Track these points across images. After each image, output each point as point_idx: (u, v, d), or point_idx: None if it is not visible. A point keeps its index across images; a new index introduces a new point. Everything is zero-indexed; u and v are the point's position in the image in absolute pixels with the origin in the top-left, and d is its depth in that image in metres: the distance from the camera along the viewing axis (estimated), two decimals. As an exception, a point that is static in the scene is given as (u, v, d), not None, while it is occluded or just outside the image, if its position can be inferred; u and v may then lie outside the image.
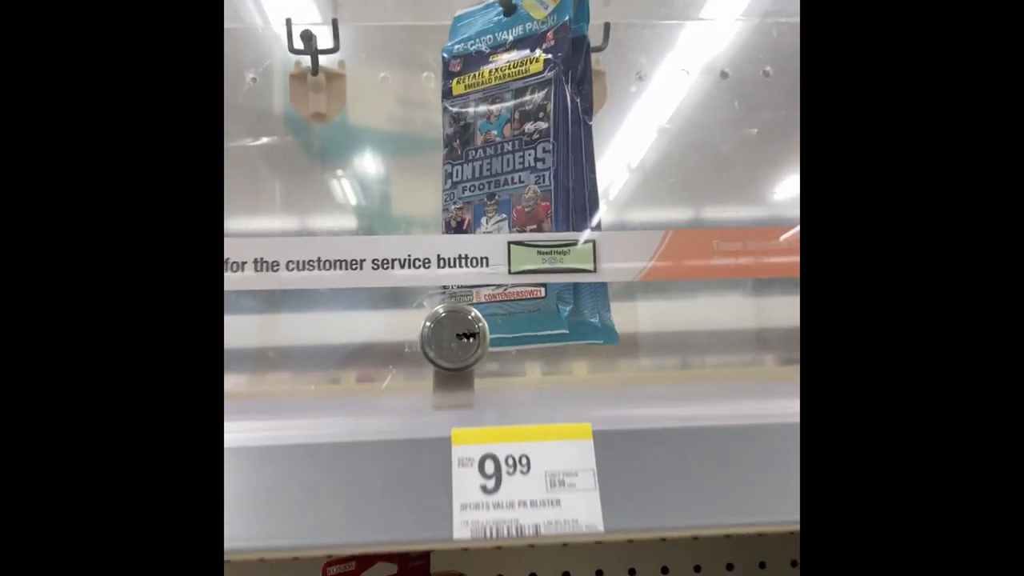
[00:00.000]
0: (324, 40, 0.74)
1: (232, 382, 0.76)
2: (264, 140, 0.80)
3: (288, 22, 0.73)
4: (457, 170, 0.62)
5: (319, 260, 0.48)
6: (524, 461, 0.44)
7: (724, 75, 0.84)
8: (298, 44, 0.74)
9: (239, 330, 0.76)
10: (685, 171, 0.85)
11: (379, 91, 0.82)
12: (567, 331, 0.58)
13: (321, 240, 0.48)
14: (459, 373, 0.49)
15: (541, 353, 0.72)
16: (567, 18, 0.60)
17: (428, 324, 0.48)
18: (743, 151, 0.80)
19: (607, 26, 0.78)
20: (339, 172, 0.81)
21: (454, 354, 0.47)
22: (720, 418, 0.45)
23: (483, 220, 0.60)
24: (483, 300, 0.60)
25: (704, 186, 0.85)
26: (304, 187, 0.80)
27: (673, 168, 0.84)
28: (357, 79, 0.80)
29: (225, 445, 0.42)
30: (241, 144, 0.80)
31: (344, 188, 0.81)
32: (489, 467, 0.44)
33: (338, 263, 0.48)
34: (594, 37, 0.78)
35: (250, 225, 0.79)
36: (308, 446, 0.45)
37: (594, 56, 0.80)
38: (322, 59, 0.76)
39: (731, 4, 0.84)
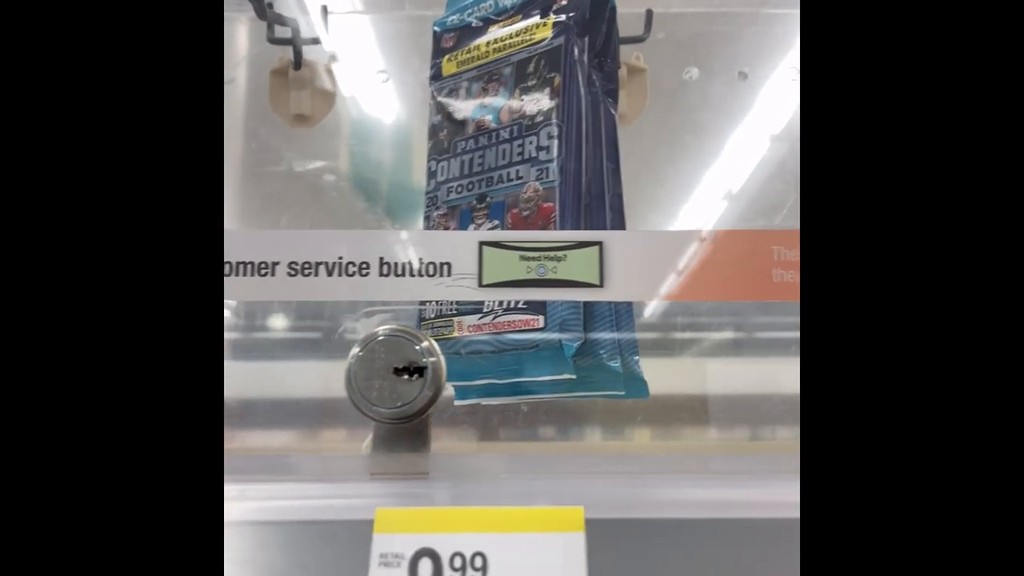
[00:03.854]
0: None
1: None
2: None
3: (268, 6, 0.62)
4: (442, 167, 0.49)
5: (226, 262, 0.35)
6: (479, 563, 0.29)
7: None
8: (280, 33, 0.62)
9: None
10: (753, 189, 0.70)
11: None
12: (573, 375, 0.43)
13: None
14: (405, 425, 0.35)
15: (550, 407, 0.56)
16: (584, -30, 0.47)
17: (357, 352, 0.34)
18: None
19: (649, 13, 0.64)
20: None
21: (389, 397, 0.33)
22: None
23: (471, 229, 0.46)
24: (466, 333, 0.46)
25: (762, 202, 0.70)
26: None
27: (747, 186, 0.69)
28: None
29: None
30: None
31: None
32: (425, 570, 0.29)
33: (241, 266, 0.35)
34: (634, 26, 0.65)
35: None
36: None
37: (634, 51, 0.66)
38: (309, 53, 0.65)
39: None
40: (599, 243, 0.35)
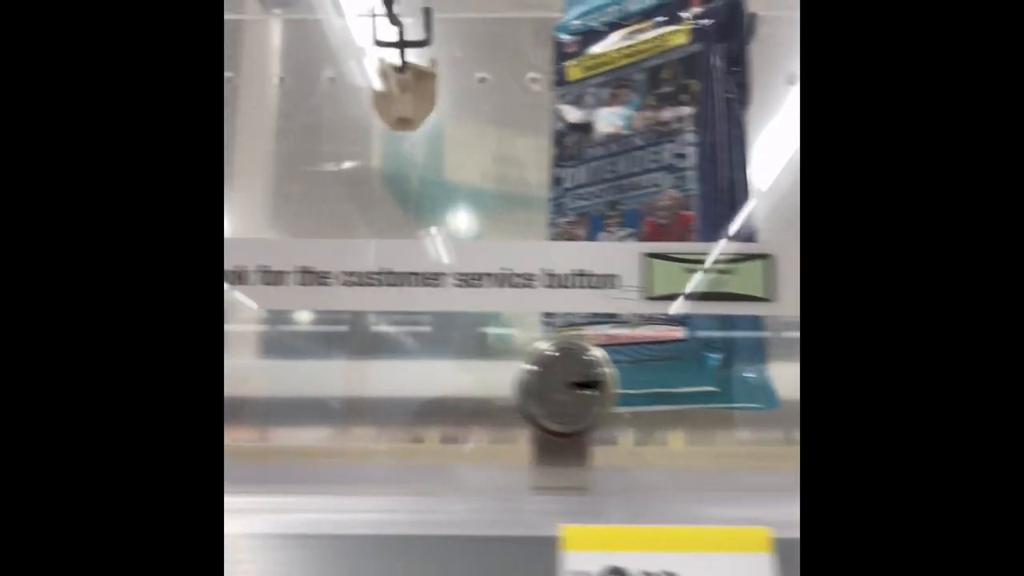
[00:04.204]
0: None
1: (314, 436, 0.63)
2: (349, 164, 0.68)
3: (373, 9, 0.62)
4: (570, 174, 0.48)
5: (381, 272, 0.35)
6: (669, 581, 0.29)
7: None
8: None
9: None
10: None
11: (477, 147, 0.69)
12: (716, 388, 0.43)
13: (382, 244, 0.34)
14: (570, 439, 0.35)
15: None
16: (722, -24, 0.46)
17: (532, 367, 0.33)
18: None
19: (752, 17, 0.63)
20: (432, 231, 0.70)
21: (566, 412, 0.33)
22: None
23: (601, 237, 0.46)
24: (600, 343, 0.45)
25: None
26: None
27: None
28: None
29: (253, 530, 0.30)
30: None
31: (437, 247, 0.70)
32: (616, 588, 0.29)
33: (409, 276, 0.35)
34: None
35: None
36: (357, 538, 0.31)
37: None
38: (411, 57, 0.64)
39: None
40: (769, 256, 0.35)
